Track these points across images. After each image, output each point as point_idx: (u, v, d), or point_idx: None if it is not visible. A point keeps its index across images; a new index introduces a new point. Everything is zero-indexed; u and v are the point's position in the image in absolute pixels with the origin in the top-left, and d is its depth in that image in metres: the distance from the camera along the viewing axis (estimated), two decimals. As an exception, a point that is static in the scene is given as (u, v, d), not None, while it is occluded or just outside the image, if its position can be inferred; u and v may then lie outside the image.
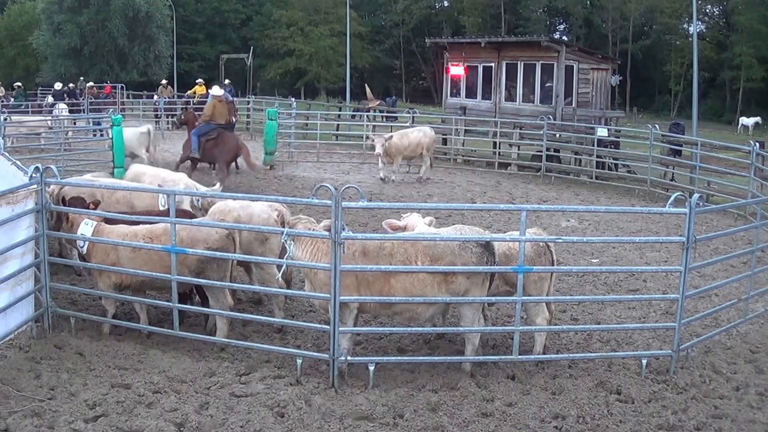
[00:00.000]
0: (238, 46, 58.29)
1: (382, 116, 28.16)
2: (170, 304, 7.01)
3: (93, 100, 29.04)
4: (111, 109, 21.86)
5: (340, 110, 32.41)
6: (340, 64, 55.82)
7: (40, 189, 6.97)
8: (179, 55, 54.25)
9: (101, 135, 20.82)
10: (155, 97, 32.21)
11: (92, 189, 8.74)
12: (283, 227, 6.80)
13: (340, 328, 6.31)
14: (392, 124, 25.69)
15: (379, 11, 67.59)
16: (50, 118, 22.80)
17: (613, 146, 19.54)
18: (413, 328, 6.93)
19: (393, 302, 6.40)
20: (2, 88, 33.14)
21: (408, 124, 20.81)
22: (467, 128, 22.21)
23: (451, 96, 24.50)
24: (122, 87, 35.74)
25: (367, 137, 17.04)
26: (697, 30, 39.20)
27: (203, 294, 7.48)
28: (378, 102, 32.41)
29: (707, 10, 57.95)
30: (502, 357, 6.88)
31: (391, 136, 17.30)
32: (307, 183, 17.20)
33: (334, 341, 6.29)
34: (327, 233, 6.25)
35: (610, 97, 24.15)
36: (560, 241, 7.32)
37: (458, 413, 5.87)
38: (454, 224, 7.06)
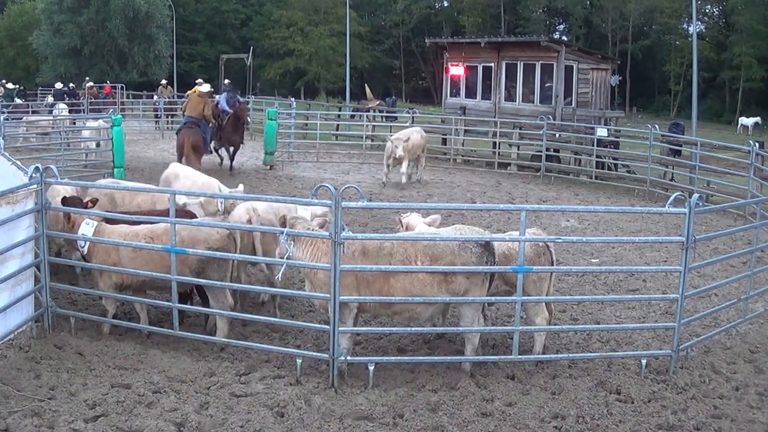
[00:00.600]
0: (238, 46, 58.30)
1: (382, 116, 28.17)
2: (170, 304, 7.01)
3: (93, 100, 29.04)
4: (111, 109, 21.87)
5: (339, 110, 32.40)
6: (339, 64, 55.82)
7: (40, 189, 6.97)
8: (179, 55, 54.26)
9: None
10: (155, 97, 32.20)
11: (112, 191, 8.90)
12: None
13: (340, 328, 6.31)
14: (392, 124, 25.73)
15: (379, 11, 67.62)
16: (51, 118, 22.81)
17: (612, 146, 19.53)
18: (413, 328, 6.93)
19: (393, 302, 6.41)
20: (2, 88, 33.10)
21: (408, 124, 20.82)
22: (467, 128, 22.21)
23: (450, 96, 24.49)
24: (122, 87, 35.75)
25: (387, 140, 16.49)
26: (697, 30, 39.24)
27: (203, 294, 7.48)
28: (378, 102, 32.44)
29: (707, 10, 57.97)
30: (502, 357, 6.88)
31: (409, 137, 16.93)
32: (307, 183, 17.20)
33: (334, 341, 6.29)
34: (327, 233, 6.25)
35: (610, 97, 24.15)
36: (560, 241, 7.33)
37: (458, 413, 5.88)
38: (454, 224, 7.06)
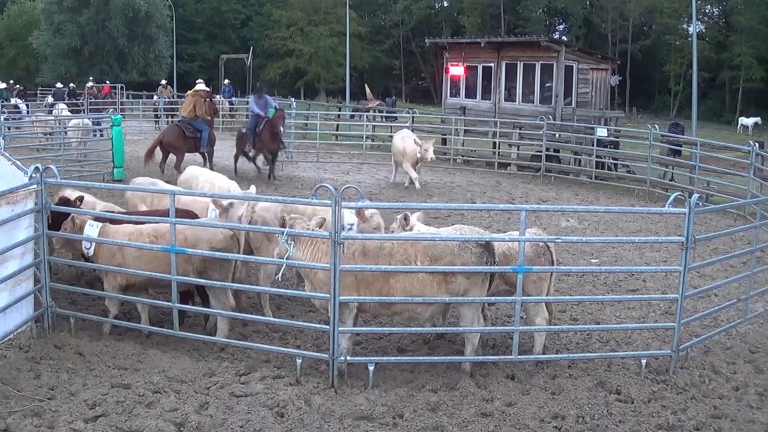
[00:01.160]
0: (237, 47, 58.36)
1: (382, 116, 28.17)
2: (170, 304, 7.01)
3: (93, 100, 29.05)
4: (111, 109, 21.88)
5: (339, 110, 32.42)
6: (339, 64, 55.85)
7: (40, 189, 6.97)
8: (179, 56, 54.28)
9: (101, 135, 20.83)
10: (155, 97, 32.23)
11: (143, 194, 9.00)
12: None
13: (340, 328, 6.31)
14: (392, 125, 25.75)
15: (378, 11, 67.66)
16: (52, 118, 22.81)
17: (612, 146, 19.53)
18: (413, 328, 6.93)
19: (392, 302, 6.41)
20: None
21: (408, 125, 20.83)
22: (467, 128, 22.21)
23: (450, 96, 24.50)
24: (122, 87, 35.76)
25: (416, 143, 16.13)
26: (697, 30, 39.23)
27: (203, 294, 7.48)
28: (378, 102, 32.46)
29: (707, 10, 58.00)
30: (502, 357, 6.88)
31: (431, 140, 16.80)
32: (307, 183, 17.21)
33: (334, 341, 6.29)
34: (327, 233, 6.25)
35: (610, 97, 24.17)
36: (560, 241, 7.33)
37: (458, 413, 5.88)
38: (453, 224, 7.06)
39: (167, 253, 6.89)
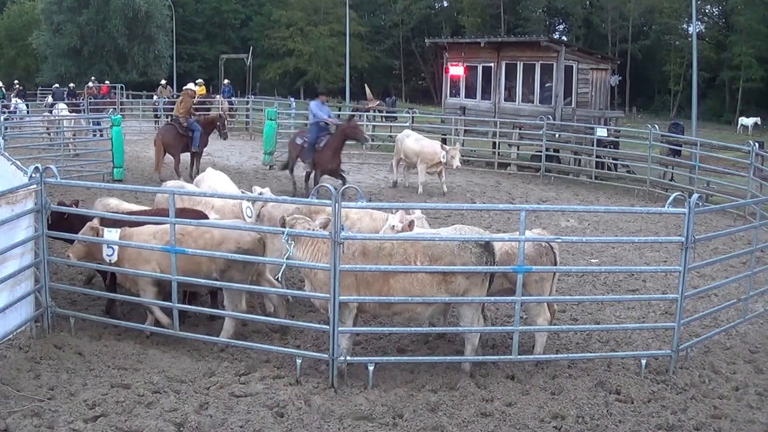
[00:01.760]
0: (237, 46, 58.31)
1: (382, 116, 28.17)
2: (170, 304, 7.01)
3: (92, 100, 29.04)
4: (110, 109, 21.87)
5: (339, 110, 32.40)
6: (339, 64, 55.82)
7: (40, 189, 6.97)
8: (179, 55, 54.27)
9: (101, 135, 20.84)
10: (155, 97, 32.22)
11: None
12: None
13: (340, 328, 6.31)
14: (392, 125, 25.74)
15: (378, 11, 67.63)
16: (53, 117, 22.81)
17: (612, 146, 19.54)
18: (413, 328, 6.93)
19: (392, 302, 6.41)
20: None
21: (408, 125, 20.81)
22: (467, 128, 22.21)
23: (450, 96, 24.49)
24: (122, 87, 35.74)
25: (443, 149, 15.88)
26: (697, 30, 39.23)
27: (211, 294, 7.51)
28: (377, 102, 32.44)
29: (707, 10, 57.99)
30: (502, 357, 6.88)
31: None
32: (307, 183, 17.17)
33: (334, 341, 6.29)
34: (327, 233, 6.25)
35: (610, 97, 24.16)
36: (560, 241, 7.32)
37: (458, 413, 5.88)
38: (453, 224, 7.06)
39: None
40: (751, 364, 7.13)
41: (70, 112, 23.96)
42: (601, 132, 19.08)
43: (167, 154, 16.69)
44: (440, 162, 16.00)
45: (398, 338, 7.52)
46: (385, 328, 7.27)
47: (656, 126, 17.85)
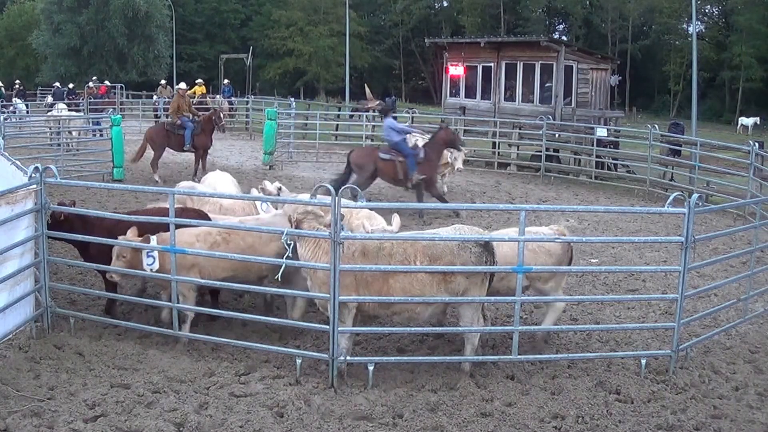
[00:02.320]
0: (237, 46, 58.29)
1: (381, 116, 28.14)
2: (170, 304, 7.01)
3: (92, 99, 29.03)
4: (110, 109, 21.85)
5: (339, 110, 32.40)
6: (339, 64, 55.80)
7: (40, 189, 6.97)
8: (179, 55, 54.25)
9: (101, 135, 20.82)
10: (155, 97, 32.21)
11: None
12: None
13: (340, 328, 6.31)
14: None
15: (378, 11, 67.60)
16: (57, 117, 22.80)
17: (612, 146, 19.54)
18: (413, 328, 6.93)
19: (392, 302, 6.40)
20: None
21: (407, 125, 20.79)
22: (466, 128, 22.19)
23: (450, 96, 24.49)
24: (121, 87, 35.72)
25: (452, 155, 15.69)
26: (697, 30, 39.18)
27: (214, 295, 7.52)
28: (377, 102, 32.40)
29: (706, 10, 57.97)
30: (502, 357, 6.88)
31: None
32: (307, 183, 17.17)
33: (334, 341, 6.29)
34: (327, 233, 6.25)
35: (610, 97, 24.15)
36: (559, 241, 7.32)
37: (457, 413, 5.88)
38: (453, 224, 7.06)
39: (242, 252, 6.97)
40: (751, 364, 7.13)
41: (69, 111, 23.98)
42: (601, 132, 19.08)
43: (151, 149, 16.70)
44: (447, 163, 16.00)
45: (398, 338, 7.52)
46: (384, 328, 7.26)
47: (656, 126, 17.85)
